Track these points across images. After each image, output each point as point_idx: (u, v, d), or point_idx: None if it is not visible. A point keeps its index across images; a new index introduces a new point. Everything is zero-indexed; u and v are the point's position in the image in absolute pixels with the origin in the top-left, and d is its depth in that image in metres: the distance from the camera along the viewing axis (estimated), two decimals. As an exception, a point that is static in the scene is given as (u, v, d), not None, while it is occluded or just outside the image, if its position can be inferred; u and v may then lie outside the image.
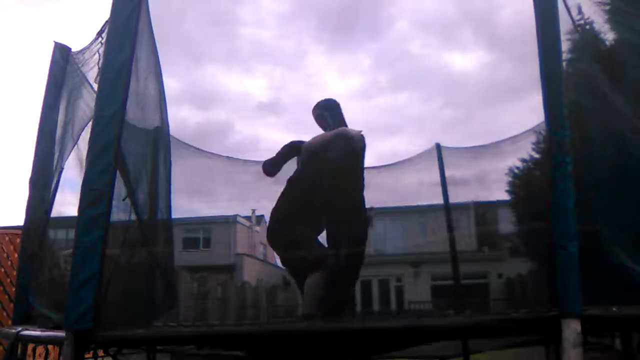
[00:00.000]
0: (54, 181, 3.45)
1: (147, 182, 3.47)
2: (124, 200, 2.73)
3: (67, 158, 3.45)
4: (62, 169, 3.44)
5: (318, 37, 43.35)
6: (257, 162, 6.33)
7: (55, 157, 3.52)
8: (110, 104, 2.48)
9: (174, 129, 4.34)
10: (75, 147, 3.44)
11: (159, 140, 3.82)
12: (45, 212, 3.42)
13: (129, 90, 2.54)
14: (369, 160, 3.78)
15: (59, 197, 3.44)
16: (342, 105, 3.82)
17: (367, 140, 3.63)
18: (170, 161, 4.04)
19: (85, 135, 2.89)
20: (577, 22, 3.04)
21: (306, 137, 3.75)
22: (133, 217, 3.10)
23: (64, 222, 3.45)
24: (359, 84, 42.29)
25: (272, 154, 3.73)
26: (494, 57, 40.25)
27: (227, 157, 5.65)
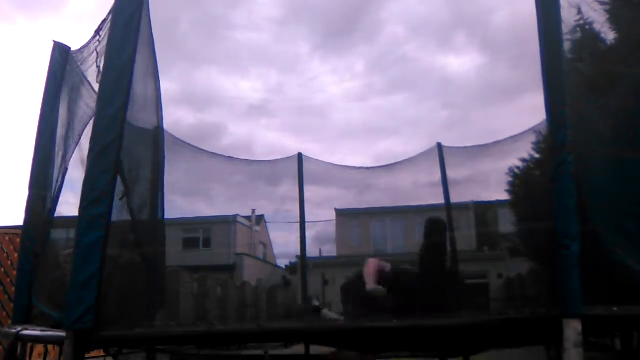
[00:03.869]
0: (58, 181, 3.42)
1: (141, 182, 3.43)
2: (120, 199, 2.70)
3: (71, 158, 3.42)
4: (67, 168, 3.41)
5: (313, 41, 43.40)
6: (257, 162, 6.35)
7: (59, 156, 3.49)
8: (111, 104, 2.47)
9: (170, 131, 4.33)
10: (78, 147, 3.41)
11: (157, 141, 3.80)
12: (49, 211, 3.39)
13: (130, 90, 2.53)
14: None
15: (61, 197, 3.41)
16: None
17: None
18: (164, 161, 4.01)
19: (87, 134, 2.87)
20: (576, 23, 3.03)
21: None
22: (126, 216, 3.06)
23: (65, 222, 3.43)
24: (355, 87, 42.33)
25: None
26: (488, 59, 40.26)
27: (229, 157, 5.65)
